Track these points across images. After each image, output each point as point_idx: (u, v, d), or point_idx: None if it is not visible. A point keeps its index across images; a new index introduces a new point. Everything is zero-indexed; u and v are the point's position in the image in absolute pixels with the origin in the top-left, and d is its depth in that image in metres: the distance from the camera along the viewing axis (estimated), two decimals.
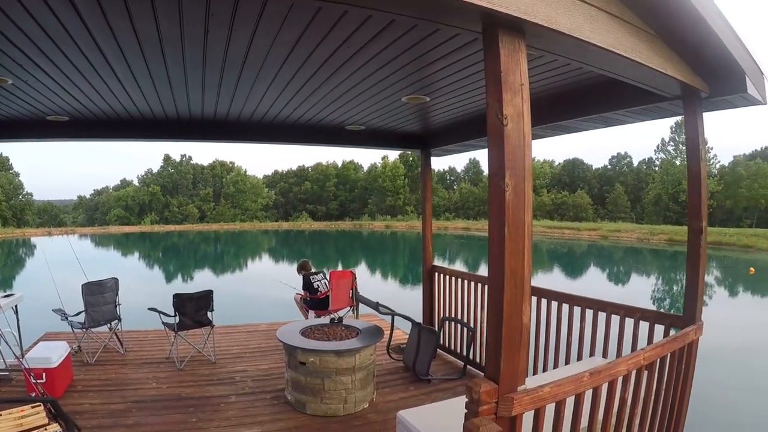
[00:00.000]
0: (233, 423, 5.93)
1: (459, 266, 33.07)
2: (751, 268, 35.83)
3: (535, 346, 6.67)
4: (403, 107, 6.27)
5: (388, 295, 21.37)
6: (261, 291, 23.31)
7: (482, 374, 7.17)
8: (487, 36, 2.78)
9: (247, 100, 5.88)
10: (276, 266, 38.86)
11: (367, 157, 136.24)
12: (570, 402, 3.17)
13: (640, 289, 28.27)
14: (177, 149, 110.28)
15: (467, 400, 2.78)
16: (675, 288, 29.20)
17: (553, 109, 5.84)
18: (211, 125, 7.23)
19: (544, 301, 6.55)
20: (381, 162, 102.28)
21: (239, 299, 20.91)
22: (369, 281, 28.34)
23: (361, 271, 33.29)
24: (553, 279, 31.78)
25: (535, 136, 6.91)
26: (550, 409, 3.05)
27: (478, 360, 7.71)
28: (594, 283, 31.01)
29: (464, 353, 7.81)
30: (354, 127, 7.64)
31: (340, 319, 7.44)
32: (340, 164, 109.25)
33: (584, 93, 5.40)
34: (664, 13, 3.60)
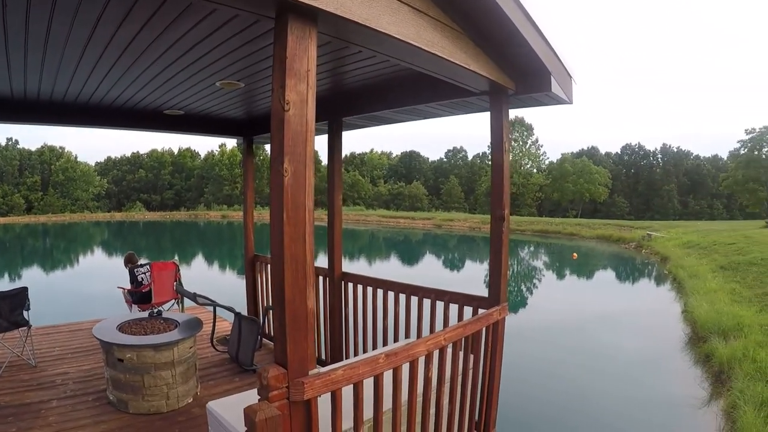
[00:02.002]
0: (55, 429, 5.55)
1: None
2: (575, 254, 38.12)
3: (354, 330, 6.81)
4: (219, 92, 6.12)
5: (222, 286, 21.10)
6: (90, 287, 22.31)
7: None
8: (278, 22, 2.76)
9: (57, 80, 5.49)
10: (108, 260, 37.27)
11: (205, 144, 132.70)
12: (370, 384, 3.24)
13: (474, 274, 29.36)
14: (1, 132, 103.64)
15: (258, 386, 2.79)
16: (508, 272, 30.41)
17: (369, 99, 5.94)
18: (22, 105, 6.63)
19: (360, 287, 6.66)
20: (218, 150, 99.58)
21: (67, 296, 19.89)
22: (204, 272, 27.75)
23: (197, 262, 32.62)
24: (389, 266, 32.38)
25: (353, 126, 7.05)
26: (347, 392, 3.10)
27: None
28: (429, 269, 31.84)
29: None
30: (172, 112, 7.35)
31: (159, 312, 7.24)
32: (176, 151, 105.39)
33: (398, 85, 5.51)
34: (470, 11, 3.76)
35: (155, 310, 7.27)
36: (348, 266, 7.11)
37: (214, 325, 8.22)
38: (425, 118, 6.38)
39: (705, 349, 12.33)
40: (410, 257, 39.65)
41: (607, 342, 14.88)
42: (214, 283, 22.81)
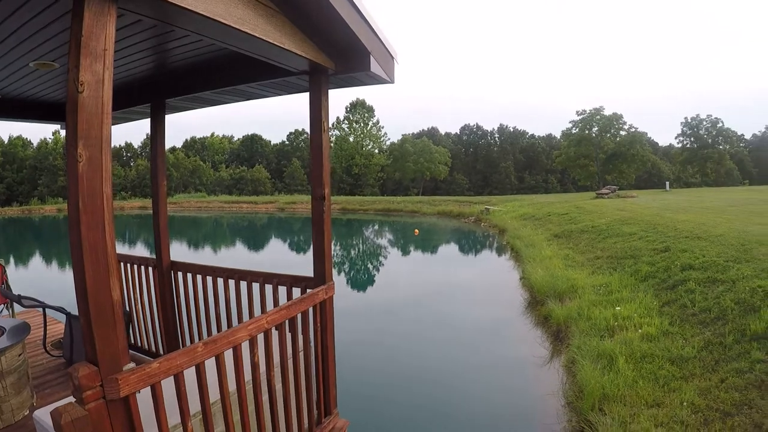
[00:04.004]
0: None
1: (140, 248, 31.93)
2: (416, 230, 39.21)
3: (188, 320, 6.65)
4: (36, 74, 5.63)
5: (62, 286, 20.01)
6: None
7: (148, 358, 7.01)
8: None
9: None
10: None
11: (38, 132, 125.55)
12: (192, 374, 3.15)
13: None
14: None
15: (72, 388, 2.63)
16: (352, 252, 30.80)
17: (192, 80, 5.72)
18: None
19: (189, 276, 6.48)
20: (52, 137, 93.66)
21: None
22: (41, 272, 26.19)
23: (36, 262, 30.90)
24: (233, 253, 31.93)
25: (178, 108, 6.83)
26: (168, 385, 2.99)
27: (139, 344, 7.36)
28: (273, 253, 31.73)
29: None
30: None
31: None
32: (6, 140, 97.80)
33: (220, 65, 5.34)
34: None
35: None
36: (191, 256, 6.92)
37: (45, 329, 7.65)
38: (249, 98, 6.25)
39: (543, 312, 13.06)
40: (254, 242, 39.31)
41: (450, 312, 15.38)
42: (53, 283, 21.51)
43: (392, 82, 5.11)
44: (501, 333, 12.99)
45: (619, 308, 11.08)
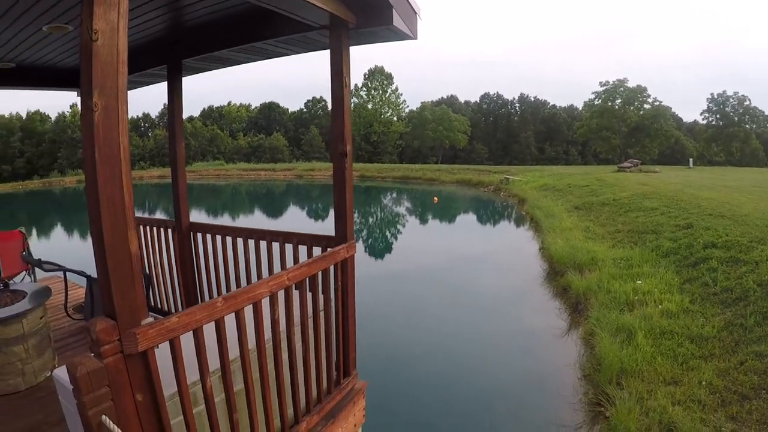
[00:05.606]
0: None
1: (160, 216, 32.03)
2: (435, 198, 39.22)
3: (207, 280, 6.64)
4: (50, 38, 5.52)
5: (87, 253, 20.05)
6: None
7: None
8: None
9: None
10: None
11: (55, 105, 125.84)
12: (211, 330, 3.10)
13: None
14: None
15: (90, 342, 2.57)
16: (371, 219, 30.86)
17: (208, 39, 5.60)
18: None
19: (209, 236, 6.42)
20: (69, 110, 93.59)
21: None
22: (64, 241, 26.38)
23: (57, 231, 31.13)
24: (253, 219, 32.02)
25: (196, 70, 6.73)
26: (188, 340, 2.94)
27: (159, 305, 7.32)
28: (294, 219, 31.90)
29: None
30: (3, 65, 6.56)
31: (6, 284, 6.74)
32: (24, 115, 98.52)
33: (238, 22, 5.20)
34: None
35: (1, 284, 6.74)
36: (211, 222, 6.89)
37: (66, 292, 7.65)
38: (268, 57, 6.11)
39: (562, 283, 13.01)
40: (273, 209, 39.39)
41: (468, 280, 15.47)
42: (74, 251, 21.55)
43: (415, 38, 4.98)
44: (520, 303, 13.00)
45: (639, 282, 11.02)
